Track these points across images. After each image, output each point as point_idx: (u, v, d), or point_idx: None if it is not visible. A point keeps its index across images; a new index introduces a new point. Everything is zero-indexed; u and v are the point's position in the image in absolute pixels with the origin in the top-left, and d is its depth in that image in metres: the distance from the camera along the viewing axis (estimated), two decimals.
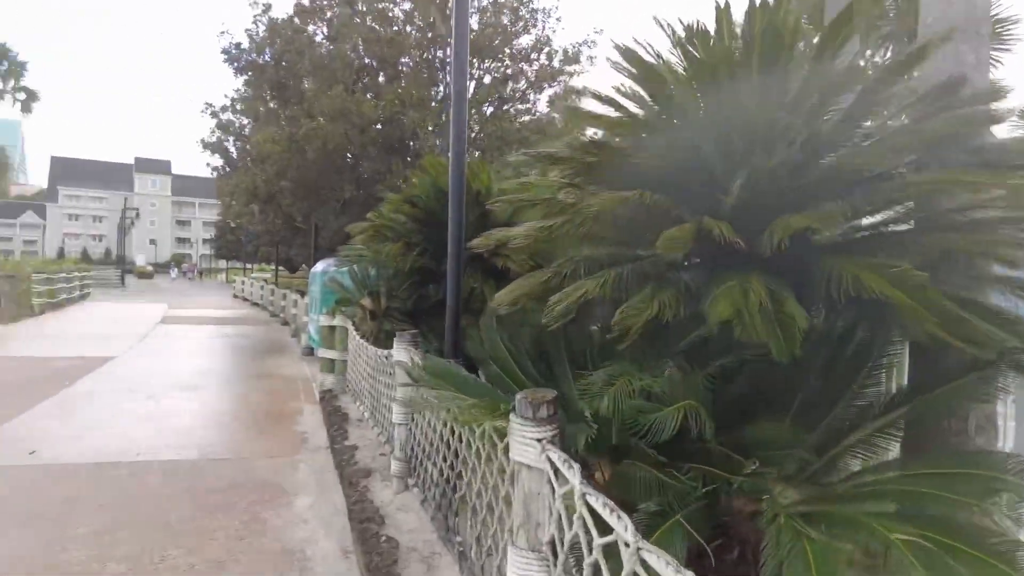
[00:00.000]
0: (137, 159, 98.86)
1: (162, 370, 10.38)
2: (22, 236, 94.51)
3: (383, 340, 6.49)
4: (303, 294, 15.50)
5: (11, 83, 32.56)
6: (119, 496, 4.87)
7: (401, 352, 4.36)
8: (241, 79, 17.63)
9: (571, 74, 17.61)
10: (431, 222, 6.50)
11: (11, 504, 4.66)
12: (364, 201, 13.91)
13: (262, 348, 14.18)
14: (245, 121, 19.41)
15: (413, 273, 6.36)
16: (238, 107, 19.43)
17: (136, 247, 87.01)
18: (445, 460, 3.59)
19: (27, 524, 4.32)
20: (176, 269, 69.23)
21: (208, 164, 22.81)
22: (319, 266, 12.41)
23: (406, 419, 4.35)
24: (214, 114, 18.49)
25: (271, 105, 16.55)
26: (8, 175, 33.88)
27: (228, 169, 22.37)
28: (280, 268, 38.02)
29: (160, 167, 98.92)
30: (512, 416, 2.17)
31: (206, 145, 21.71)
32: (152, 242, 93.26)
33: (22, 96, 33.10)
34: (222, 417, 7.52)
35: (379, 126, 14.54)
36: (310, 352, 12.76)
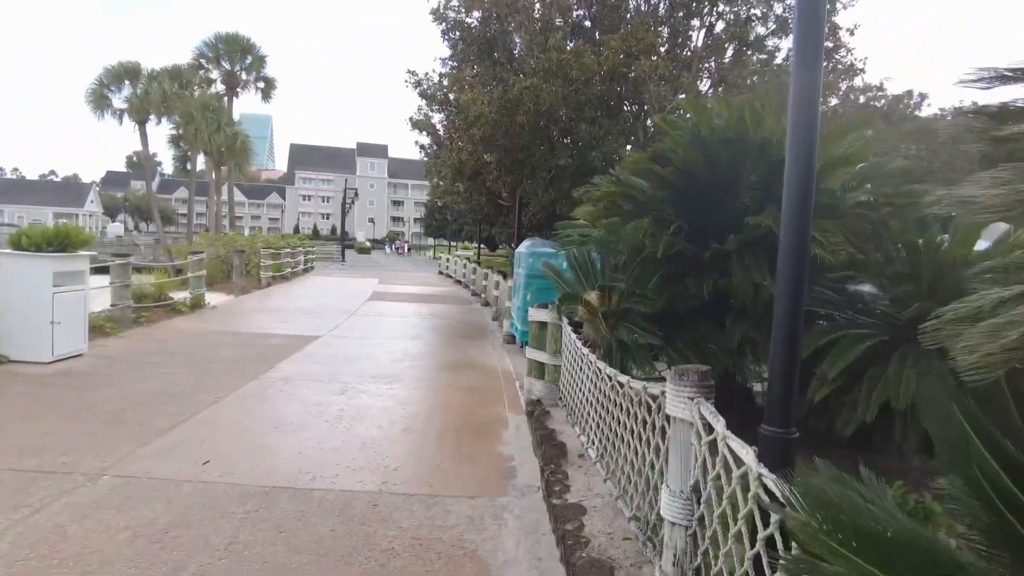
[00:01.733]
0: (359, 144, 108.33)
1: (361, 354, 9.71)
2: (268, 215, 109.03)
3: (617, 353, 4.73)
4: (505, 275, 14.42)
5: (253, 74, 36.35)
6: (280, 548, 3.69)
7: (681, 404, 2.55)
8: (447, 44, 16.90)
9: (829, 12, 14.37)
10: (691, 189, 4.58)
11: (160, 541, 3.68)
12: (575, 173, 12.25)
13: (462, 331, 13.31)
14: (451, 97, 18.71)
15: (664, 262, 4.48)
16: (444, 82, 18.84)
17: (357, 225, 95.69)
18: None
19: None
20: (390, 246, 74.58)
21: (416, 143, 22.90)
22: (524, 245, 11.04)
23: (687, 517, 2.55)
24: (417, 83, 17.97)
25: (476, 69, 15.43)
26: (250, 160, 37.87)
27: (435, 147, 22.18)
28: (482, 246, 38.29)
29: (378, 151, 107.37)
30: None
31: (414, 124, 21.63)
32: (371, 220, 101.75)
33: (262, 85, 36.88)
34: (415, 423, 6.35)
35: (598, 83, 12.69)
36: (512, 340, 11.58)
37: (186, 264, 14.84)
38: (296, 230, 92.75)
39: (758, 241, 4.24)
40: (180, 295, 14.12)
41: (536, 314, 6.63)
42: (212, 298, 15.83)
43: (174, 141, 36.43)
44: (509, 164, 14.16)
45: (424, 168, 23.49)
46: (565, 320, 5.85)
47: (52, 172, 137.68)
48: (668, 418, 2.69)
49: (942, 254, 4.08)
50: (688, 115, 5.88)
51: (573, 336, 5.40)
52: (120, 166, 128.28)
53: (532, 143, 13.37)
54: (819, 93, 2.74)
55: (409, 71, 18.01)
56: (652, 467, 3.15)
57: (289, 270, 23.58)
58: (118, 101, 34.14)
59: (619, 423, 3.91)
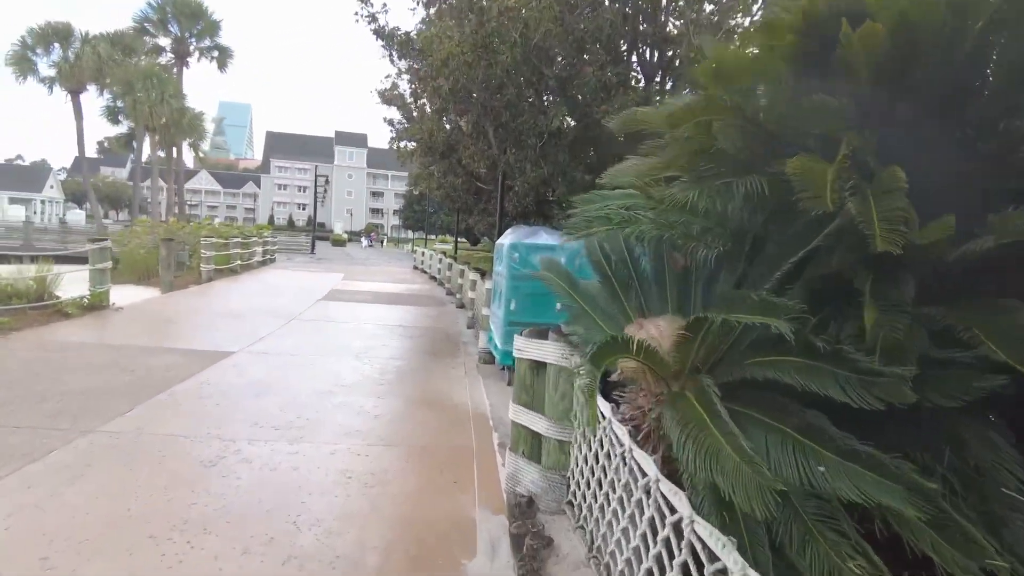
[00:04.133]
0: (337, 133, 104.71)
1: (275, 383, 6.93)
2: (243, 205, 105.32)
3: (713, 470, 2.01)
4: (483, 274, 11.67)
5: (206, 41, 32.86)
6: None
7: None
8: None
9: None
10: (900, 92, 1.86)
11: None
12: (575, 139, 9.40)
13: (429, 344, 10.56)
14: (413, 35, 15.23)
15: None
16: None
17: (335, 216, 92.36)
18: None
19: None
20: (366, 238, 71.77)
21: (384, 118, 20.01)
22: (507, 237, 8.29)
23: None
24: (372, 17, 14.74)
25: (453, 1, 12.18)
26: (201, 136, 34.48)
27: (404, 123, 19.34)
28: (462, 239, 35.43)
29: (357, 140, 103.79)
30: None
31: (382, 96, 18.80)
32: (348, 212, 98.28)
33: (216, 54, 33.40)
34: (308, 543, 3.62)
35: (608, 11, 9.67)
36: (490, 359, 8.88)
37: (90, 254, 11.96)
38: (271, 220, 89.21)
39: None
40: (78, 293, 11.34)
41: (528, 347, 3.88)
42: (130, 295, 13.08)
43: (110, 114, 32.75)
44: (490, 127, 11.00)
45: (391, 147, 20.43)
46: (579, 362, 3.12)
47: (19, 157, 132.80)
48: None
49: None
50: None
51: (605, 409, 2.70)
52: (92, 152, 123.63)
53: (518, 99, 10.34)
54: None
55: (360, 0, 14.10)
56: None
57: (239, 263, 20.64)
58: (45, 67, 30.63)
59: None
